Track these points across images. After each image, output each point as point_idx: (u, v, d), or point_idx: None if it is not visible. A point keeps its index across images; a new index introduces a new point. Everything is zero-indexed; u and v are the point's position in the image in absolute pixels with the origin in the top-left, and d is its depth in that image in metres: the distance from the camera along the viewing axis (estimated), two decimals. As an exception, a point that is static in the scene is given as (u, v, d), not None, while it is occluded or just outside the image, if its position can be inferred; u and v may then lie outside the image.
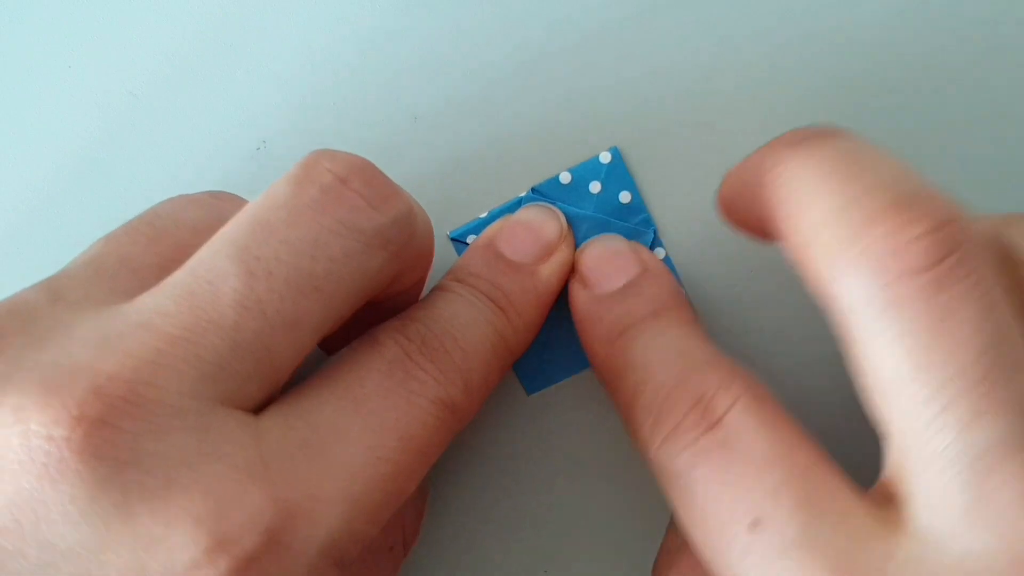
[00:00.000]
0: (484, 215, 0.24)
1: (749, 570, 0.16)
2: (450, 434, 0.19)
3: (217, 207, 0.20)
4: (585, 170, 0.24)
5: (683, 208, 0.24)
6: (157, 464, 0.15)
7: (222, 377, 0.16)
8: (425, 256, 0.20)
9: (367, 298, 0.19)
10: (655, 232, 0.23)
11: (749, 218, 0.19)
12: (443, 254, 0.24)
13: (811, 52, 0.24)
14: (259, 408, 0.17)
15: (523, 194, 0.24)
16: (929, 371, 0.15)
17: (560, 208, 0.24)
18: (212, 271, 0.17)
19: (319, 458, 0.17)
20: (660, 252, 0.24)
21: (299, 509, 0.16)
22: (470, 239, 0.24)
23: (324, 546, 0.16)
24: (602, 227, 0.23)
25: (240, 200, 0.21)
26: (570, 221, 0.23)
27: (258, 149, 0.25)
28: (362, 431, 0.17)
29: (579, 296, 0.22)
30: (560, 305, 0.23)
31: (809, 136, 0.18)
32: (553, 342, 0.24)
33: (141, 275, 0.18)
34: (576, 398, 0.24)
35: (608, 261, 0.22)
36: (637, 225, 0.24)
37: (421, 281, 0.21)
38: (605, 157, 0.24)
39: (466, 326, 0.20)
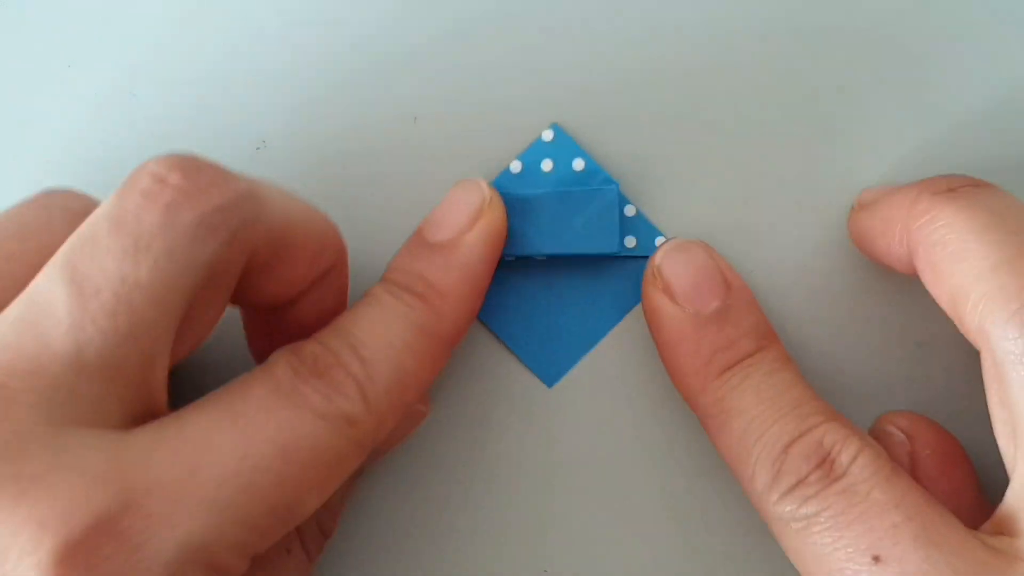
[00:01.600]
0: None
1: None
2: (355, 446, 0.19)
3: (48, 207, 0.20)
4: (532, 153, 0.24)
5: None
6: (8, 484, 0.16)
7: (72, 401, 0.16)
8: (302, 244, 0.20)
9: (222, 291, 0.19)
10: (618, 189, 0.23)
11: (884, 250, 0.21)
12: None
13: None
14: (131, 424, 0.17)
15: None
16: None
17: (521, 193, 0.23)
18: (46, 297, 0.17)
19: (183, 465, 0.17)
20: (630, 209, 0.24)
21: (154, 509, 0.16)
22: None
23: (185, 548, 0.16)
24: (566, 198, 0.23)
25: (72, 195, 0.21)
26: (536, 202, 0.23)
27: (258, 149, 0.25)
28: (236, 441, 0.17)
29: (669, 312, 0.22)
30: (552, 285, 0.23)
31: (964, 185, 0.20)
32: (555, 328, 0.24)
33: None
34: (577, 398, 0.24)
35: (697, 275, 0.22)
36: (601, 184, 0.24)
37: (332, 279, 0.21)
38: (547, 135, 0.24)
39: (371, 332, 0.20)
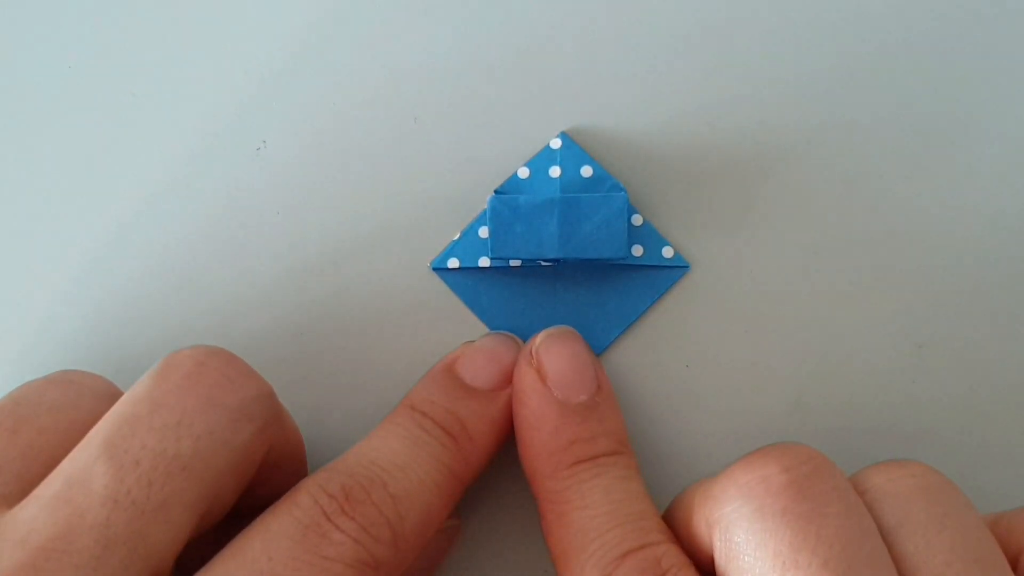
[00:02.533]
0: (457, 236, 0.24)
1: None
2: None
3: (74, 385, 0.21)
4: (540, 160, 0.24)
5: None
6: None
7: (96, 573, 0.17)
8: (294, 452, 0.21)
9: (243, 479, 0.19)
10: (626, 197, 0.23)
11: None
12: (427, 285, 0.24)
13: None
14: None
15: (489, 196, 0.24)
16: None
17: (529, 198, 0.23)
18: (84, 474, 0.17)
19: None
20: (637, 218, 0.24)
21: None
22: (451, 263, 0.24)
23: None
24: (574, 203, 0.23)
25: (93, 376, 0.21)
26: (544, 207, 0.23)
27: (258, 149, 0.25)
28: None
29: (537, 394, 0.22)
30: (557, 292, 0.24)
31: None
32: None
33: (7, 473, 0.19)
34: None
35: (572, 365, 0.22)
36: (609, 190, 0.24)
37: (294, 477, 0.21)
38: (556, 143, 0.24)
39: (403, 467, 0.20)
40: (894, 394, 0.24)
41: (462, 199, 0.24)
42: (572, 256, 0.23)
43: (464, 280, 0.24)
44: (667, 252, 0.24)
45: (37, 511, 0.17)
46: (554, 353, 0.22)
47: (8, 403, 0.20)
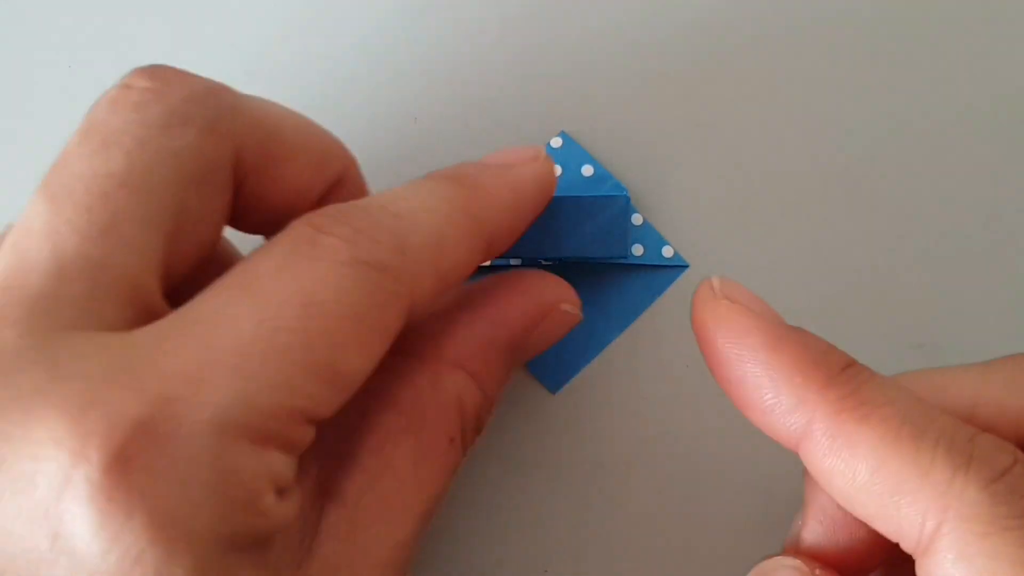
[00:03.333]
0: None
1: None
2: (390, 294, 0.17)
3: None
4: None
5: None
6: (11, 407, 0.15)
7: (57, 306, 0.16)
8: (302, 147, 0.19)
9: (213, 190, 0.18)
10: (627, 198, 0.23)
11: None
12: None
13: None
14: (132, 326, 0.16)
15: None
16: None
17: None
18: (25, 217, 0.17)
19: (200, 345, 0.16)
20: (637, 218, 0.24)
21: (176, 396, 0.15)
22: None
23: (222, 426, 0.15)
24: (576, 203, 0.23)
25: None
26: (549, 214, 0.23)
27: (258, 149, 0.25)
28: (252, 308, 0.16)
29: (760, 316, 0.18)
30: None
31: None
32: None
33: None
34: (578, 399, 0.24)
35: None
36: (610, 190, 0.24)
37: (343, 190, 0.20)
38: (556, 142, 0.24)
39: (406, 197, 0.19)
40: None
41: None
42: (573, 256, 0.23)
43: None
44: (667, 252, 0.24)
45: None
46: (743, 291, 0.19)
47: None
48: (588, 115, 0.24)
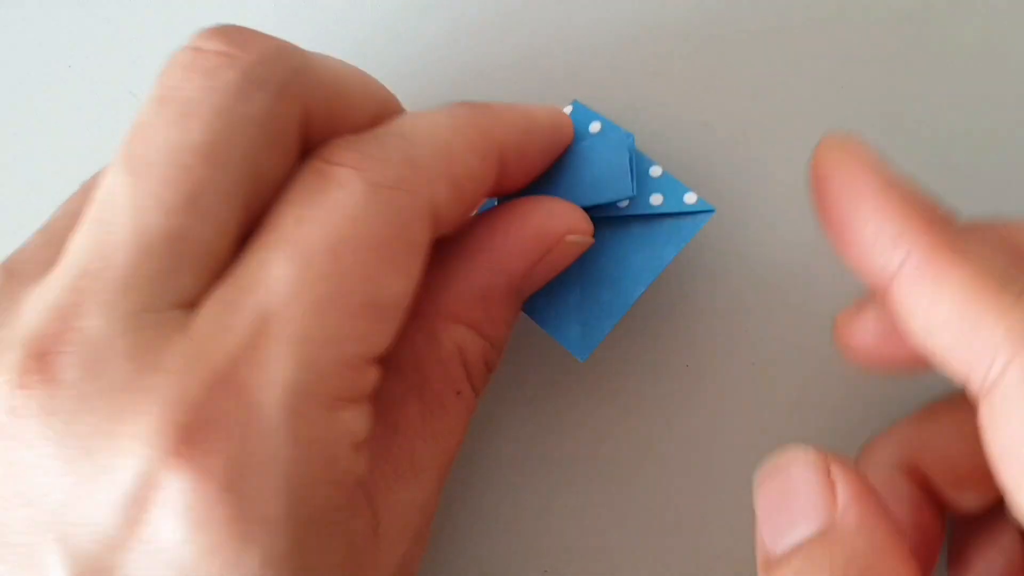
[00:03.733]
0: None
1: None
2: (412, 212, 0.18)
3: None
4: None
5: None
6: (102, 399, 0.16)
7: (140, 284, 0.16)
8: (368, 104, 0.19)
9: (286, 150, 0.18)
10: (628, 135, 0.22)
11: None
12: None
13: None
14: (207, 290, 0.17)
15: None
16: None
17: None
18: (107, 191, 0.17)
19: (253, 316, 0.16)
20: (656, 170, 0.23)
21: (247, 381, 0.16)
22: None
23: (290, 402, 0.16)
24: (577, 153, 0.22)
25: None
26: (555, 167, 0.23)
27: (258, 149, 0.25)
28: (284, 259, 0.17)
29: (874, 161, 0.18)
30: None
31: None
32: (583, 296, 0.23)
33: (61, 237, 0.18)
34: (578, 397, 0.24)
35: None
36: (619, 137, 0.23)
37: None
38: (567, 109, 0.23)
39: (414, 120, 0.19)
40: (895, 395, 0.24)
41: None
42: (579, 204, 0.22)
43: None
44: (689, 198, 0.23)
45: (75, 236, 0.17)
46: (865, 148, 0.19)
47: (90, 180, 0.20)
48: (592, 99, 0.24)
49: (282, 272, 0.16)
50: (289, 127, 0.18)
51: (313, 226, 0.17)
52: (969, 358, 0.16)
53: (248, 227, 0.18)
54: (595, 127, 0.23)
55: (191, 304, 0.17)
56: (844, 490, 0.17)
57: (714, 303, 0.24)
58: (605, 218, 0.23)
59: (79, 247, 0.17)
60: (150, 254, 0.16)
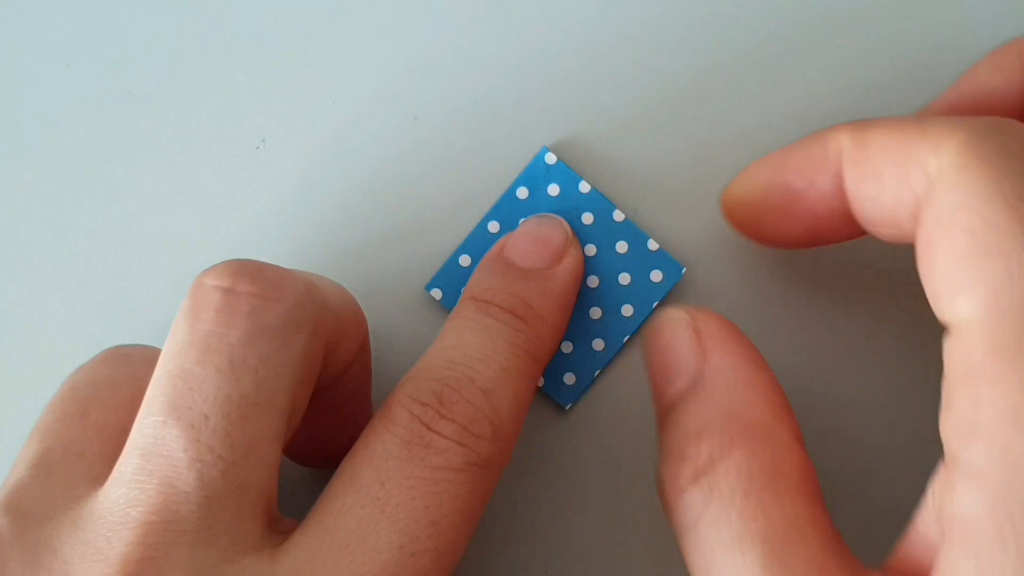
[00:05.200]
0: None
1: None
2: (491, 484, 0.19)
3: (125, 357, 0.20)
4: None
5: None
6: None
7: (212, 537, 0.16)
8: (350, 323, 0.20)
9: (311, 383, 0.19)
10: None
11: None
12: (421, 291, 0.24)
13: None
14: (267, 532, 0.17)
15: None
16: None
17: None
18: (158, 442, 0.17)
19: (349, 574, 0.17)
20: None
21: None
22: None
23: None
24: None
25: (141, 347, 0.21)
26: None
27: (258, 148, 0.25)
28: (390, 532, 0.17)
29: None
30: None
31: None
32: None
33: (89, 455, 0.19)
34: (581, 406, 0.24)
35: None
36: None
37: (363, 352, 0.21)
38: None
39: (484, 359, 0.20)
40: (895, 395, 0.24)
41: (462, 196, 0.24)
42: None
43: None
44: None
45: (126, 489, 0.17)
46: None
47: (67, 391, 0.20)
48: (589, 114, 0.24)
49: (384, 537, 0.17)
50: (319, 359, 0.19)
51: (418, 499, 0.18)
52: (906, 197, 0.18)
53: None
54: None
55: (258, 549, 0.17)
56: (709, 340, 0.19)
57: (714, 303, 0.24)
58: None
59: (135, 500, 0.17)
60: (216, 506, 0.17)
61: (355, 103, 0.25)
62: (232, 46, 0.25)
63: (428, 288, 0.24)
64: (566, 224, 0.23)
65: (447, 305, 0.24)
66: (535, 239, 0.23)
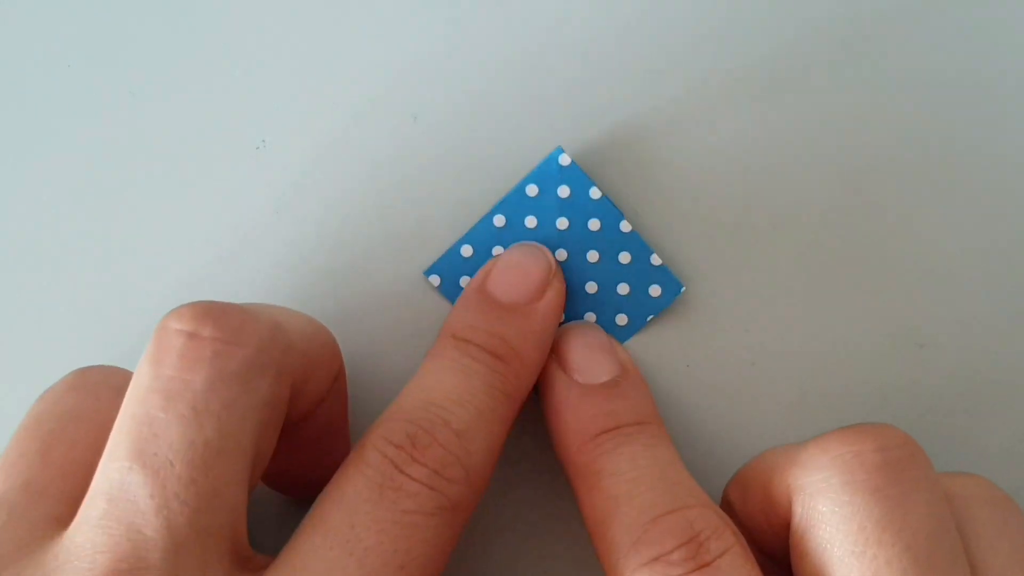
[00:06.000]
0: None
1: None
2: (459, 528, 0.19)
3: (89, 386, 0.20)
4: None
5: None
6: None
7: None
8: (320, 360, 0.20)
9: (278, 424, 0.19)
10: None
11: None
12: (425, 283, 0.24)
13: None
14: (242, 570, 0.18)
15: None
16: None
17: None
18: (124, 488, 0.17)
19: None
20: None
21: None
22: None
23: None
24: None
25: (106, 370, 0.21)
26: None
27: (258, 148, 0.25)
28: (344, 569, 0.17)
29: (560, 380, 0.22)
30: None
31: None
32: None
33: (50, 495, 0.18)
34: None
35: (592, 353, 0.22)
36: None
37: (337, 386, 0.21)
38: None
39: (460, 401, 0.20)
40: (895, 395, 0.24)
41: (463, 196, 0.24)
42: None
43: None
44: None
45: (92, 534, 0.17)
46: (573, 341, 0.23)
47: (31, 422, 0.20)
48: (589, 114, 0.24)
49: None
50: (285, 401, 0.19)
51: (387, 543, 0.18)
52: None
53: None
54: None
55: None
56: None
57: (714, 303, 0.24)
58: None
59: (102, 546, 0.17)
60: (182, 551, 0.17)
61: (355, 103, 0.25)
62: (232, 46, 0.25)
63: (427, 274, 0.24)
64: (550, 255, 0.23)
65: (444, 292, 0.24)
66: (518, 272, 0.23)
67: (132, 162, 0.25)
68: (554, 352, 0.22)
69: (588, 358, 0.22)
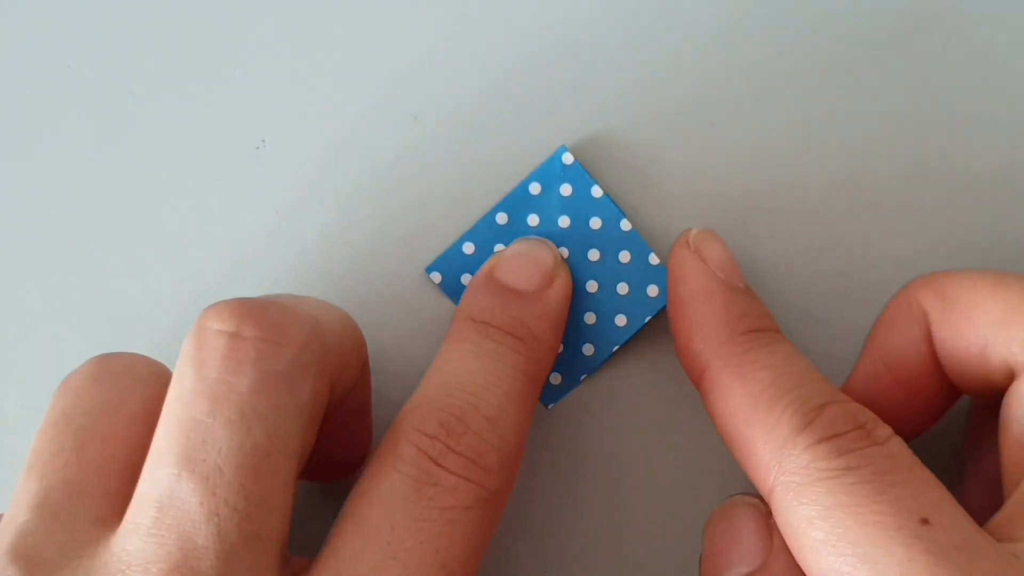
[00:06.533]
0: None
1: (917, 556, 0.17)
2: (496, 517, 0.19)
3: (114, 376, 0.20)
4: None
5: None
6: None
7: None
8: (351, 352, 0.20)
9: (319, 421, 0.19)
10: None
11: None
12: (426, 283, 0.24)
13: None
14: (285, 574, 0.18)
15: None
16: None
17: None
18: (173, 496, 0.17)
19: None
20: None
21: None
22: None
23: None
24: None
25: (128, 358, 0.20)
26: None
27: (258, 148, 0.25)
28: (396, 568, 0.17)
29: (706, 273, 0.21)
30: None
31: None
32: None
33: (92, 495, 0.18)
34: (577, 404, 0.24)
35: (728, 254, 0.22)
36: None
37: (363, 374, 0.21)
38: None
39: (487, 385, 0.20)
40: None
41: (462, 196, 0.24)
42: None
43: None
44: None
45: (143, 543, 0.17)
46: (712, 243, 0.22)
47: (59, 417, 0.19)
48: (589, 113, 0.24)
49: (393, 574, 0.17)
50: (325, 397, 0.19)
51: (427, 542, 0.18)
52: (755, 472, 0.19)
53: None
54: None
55: None
56: (777, 538, 0.19)
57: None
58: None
59: (153, 556, 0.16)
60: (234, 558, 0.17)
61: (355, 103, 0.25)
62: (232, 46, 0.25)
63: (428, 271, 0.24)
64: (554, 247, 0.23)
65: (445, 289, 0.24)
66: (526, 260, 0.23)
67: (132, 162, 0.25)
68: (694, 246, 0.22)
69: (731, 261, 0.22)
